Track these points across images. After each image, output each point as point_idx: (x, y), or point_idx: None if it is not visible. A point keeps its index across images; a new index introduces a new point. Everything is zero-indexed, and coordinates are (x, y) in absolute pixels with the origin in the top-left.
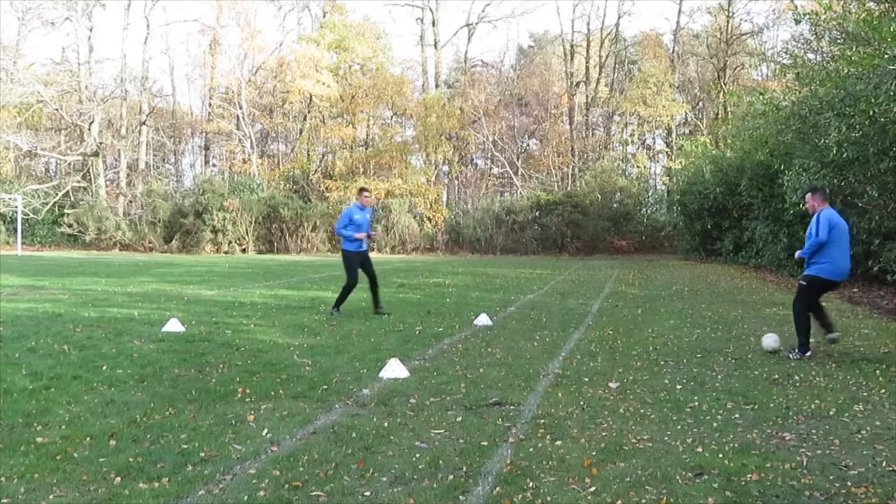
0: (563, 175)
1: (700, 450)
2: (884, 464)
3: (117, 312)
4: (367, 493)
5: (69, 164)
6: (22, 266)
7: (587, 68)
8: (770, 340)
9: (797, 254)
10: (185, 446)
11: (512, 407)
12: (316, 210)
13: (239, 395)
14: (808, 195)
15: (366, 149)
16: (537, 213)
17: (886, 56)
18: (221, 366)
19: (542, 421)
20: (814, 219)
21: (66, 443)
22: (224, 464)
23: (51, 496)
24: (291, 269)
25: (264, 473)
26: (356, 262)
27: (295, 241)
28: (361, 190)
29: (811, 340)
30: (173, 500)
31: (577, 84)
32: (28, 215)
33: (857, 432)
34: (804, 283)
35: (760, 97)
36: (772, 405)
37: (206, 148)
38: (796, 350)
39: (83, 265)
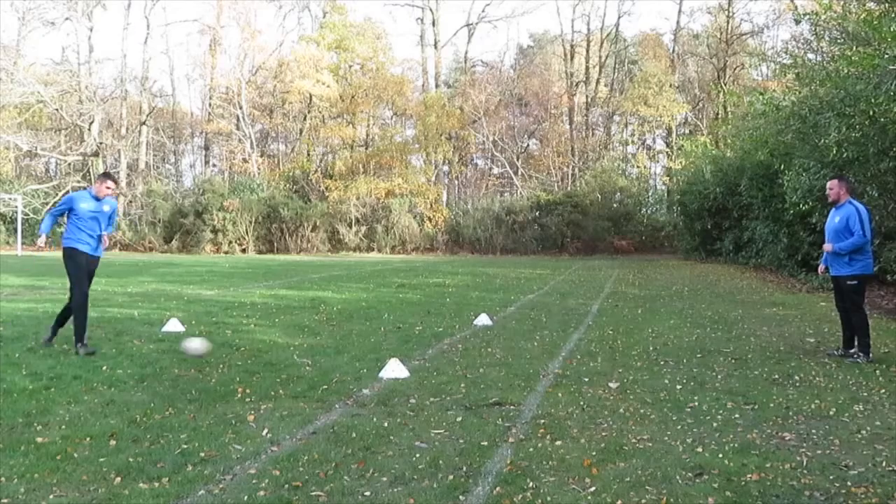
0: (563, 175)
1: (700, 450)
2: (884, 464)
3: (117, 312)
4: (367, 493)
5: (69, 164)
6: (22, 266)
7: (587, 68)
8: (194, 348)
9: (836, 247)
10: (185, 446)
11: (512, 407)
12: (316, 210)
13: (239, 395)
14: (835, 181)
15: (366, 149)
16: (537, 213)
17: (886, 56)
18: (221, 366)
19: (542, 421)
20: (851, 214)
21: (66, 443)
22: (224, 464)
23: (51, 496)
24: (291, 269)
25: (264, 473)
26: (83, 265)
27: (295, 241)
28: (102, 176)
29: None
30: (173, 500)
31: (577, 84)
32: (28, 215)
33: (857, 432)
34: (856, 282)
35: (760, 97)
36: (772, 405)
37: (206, 148)
38: (861, 354)
39: None
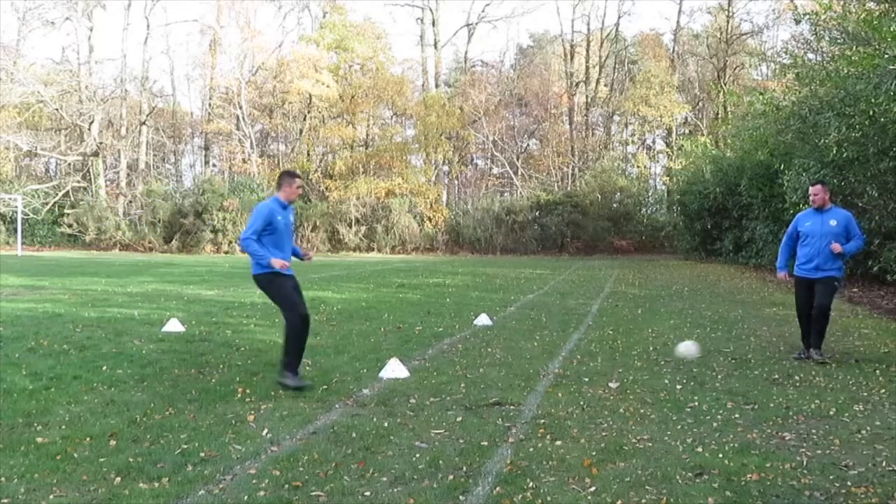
0: (563, 175)
1: (700, 450)
2: (884, 464)
3: (117, 312)
4: (367, 493)
5: (69, 164)
6: (22, 266)
7: (587, 68)
8: (686, 349)
9: (845, 248)
10: (185, 446)
11: (512, 407)
12: (316, 210)
13: (239, 395)
14: (819, 187)
15: (366, 149)
16: (537, 213)
17: (886, 56)
18: (221, 366)
19: (542, 421)
20: (848, 218)
21: (66, 443)
22: (224, 464)
23: (51, 496)
24: (291, 269)
25: (264, 473)
26: (287, 283)
27: (295, 241)
28: (289, 175)
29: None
30: (173, 500)
31: (577, 84)
32: (28, 215)
33: (857, 432)
34: (838, 283)
35: (760, 97)
36: (772, 405)
37: (206, 148)
38: (820, 351)
39: (83, 265)
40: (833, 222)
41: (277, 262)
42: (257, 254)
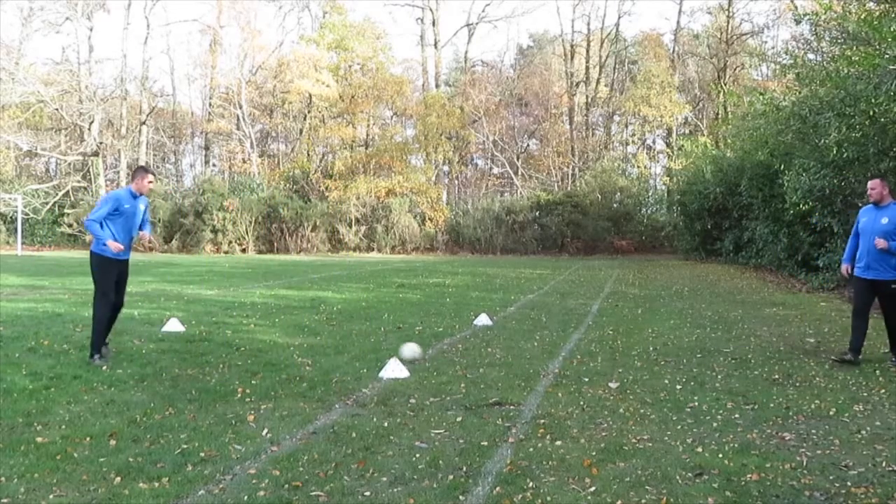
0: (563, 175)
1: (700, 450)
2: (884, 464)
3: None
4: (367, 493)
5: (69, 163)
6: (22, 266)
7: (587, 68)
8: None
9: (892, 245)
10: (185, 446)
11: (512, 407)
12: (316, 210)
13: (239, 395)
14: (877, 181)
15: (366, 148)
16: (537, 213)
17: (886, 56)
18: (221, 366)
19: (542, 421)
20: None
21: (66, 443)
22: (224, 464)
23: (51, 496)
24: (291, 269)
25: (264, 473)
26: (113, 272)
27: (295, 241)
28: (143, 170)
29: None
30: (173, 500)
31: (577, 84)
32: (28, 215)
33: (857, 432)
34: None
35: (760, 97)
36: (772, 405)
37: (206, 148)
38: None
39: (83, 265)
40: (885, 220)
41: (113, 245)
42: (97, 234)
